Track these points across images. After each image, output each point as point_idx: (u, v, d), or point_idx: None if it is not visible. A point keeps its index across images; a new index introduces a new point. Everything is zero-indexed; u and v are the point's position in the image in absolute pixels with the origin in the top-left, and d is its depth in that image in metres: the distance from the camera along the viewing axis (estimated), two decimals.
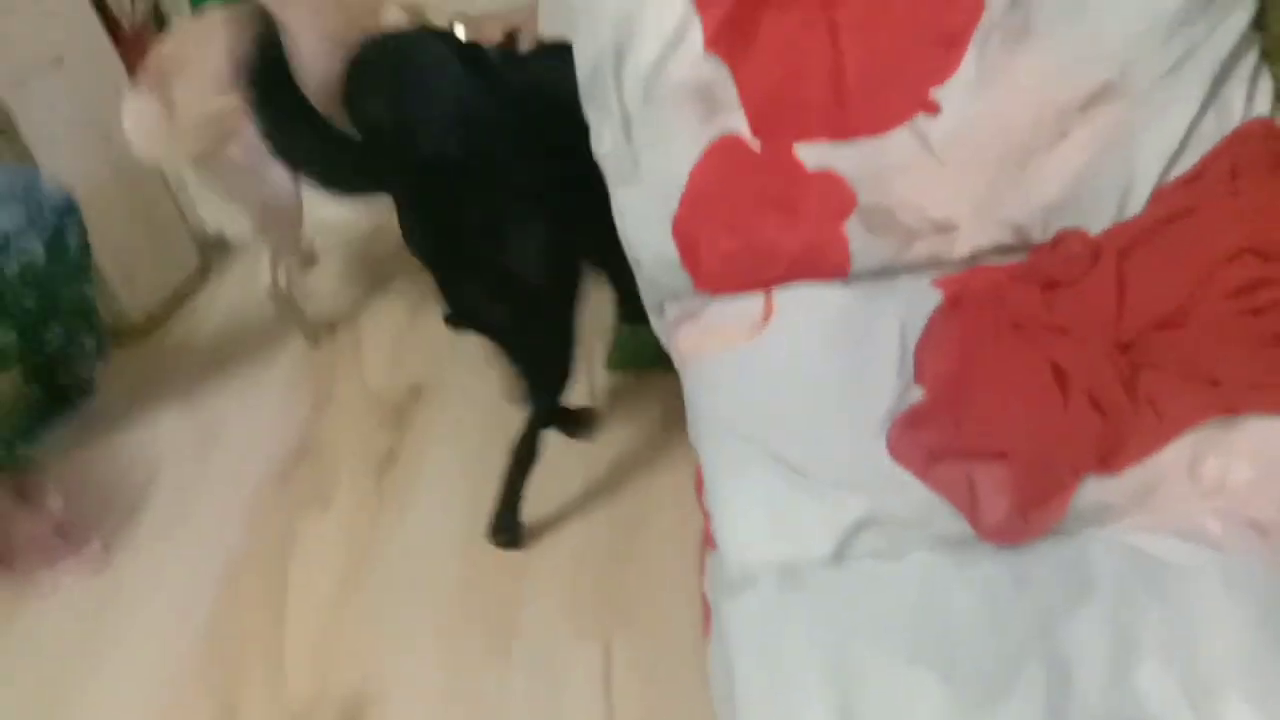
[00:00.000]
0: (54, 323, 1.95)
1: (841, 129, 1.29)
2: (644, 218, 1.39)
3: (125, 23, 3.47)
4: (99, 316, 2.12)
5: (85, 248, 1.98)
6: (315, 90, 1.77)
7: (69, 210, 1.90)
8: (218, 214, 2.78)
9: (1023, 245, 1.30)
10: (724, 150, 1.33)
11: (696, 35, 1.28)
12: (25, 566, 1.81)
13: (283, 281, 2.21)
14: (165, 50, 2.06)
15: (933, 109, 1.29)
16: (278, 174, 1.98)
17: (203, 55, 1.92)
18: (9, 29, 2.26)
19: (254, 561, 1.79)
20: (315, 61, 1.84)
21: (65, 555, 1.83)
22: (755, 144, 1.31)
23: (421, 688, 1.51)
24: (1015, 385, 1.06)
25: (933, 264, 1.31)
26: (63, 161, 2.25)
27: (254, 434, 2.10)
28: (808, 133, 1.30)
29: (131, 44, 3.44)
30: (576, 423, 1.84)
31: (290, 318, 2.30)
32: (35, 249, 1.83)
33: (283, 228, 2.16)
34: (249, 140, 1.84)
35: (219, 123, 1.90)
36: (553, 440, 1.84)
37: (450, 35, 1.85)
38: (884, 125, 1.29)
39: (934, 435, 1.02)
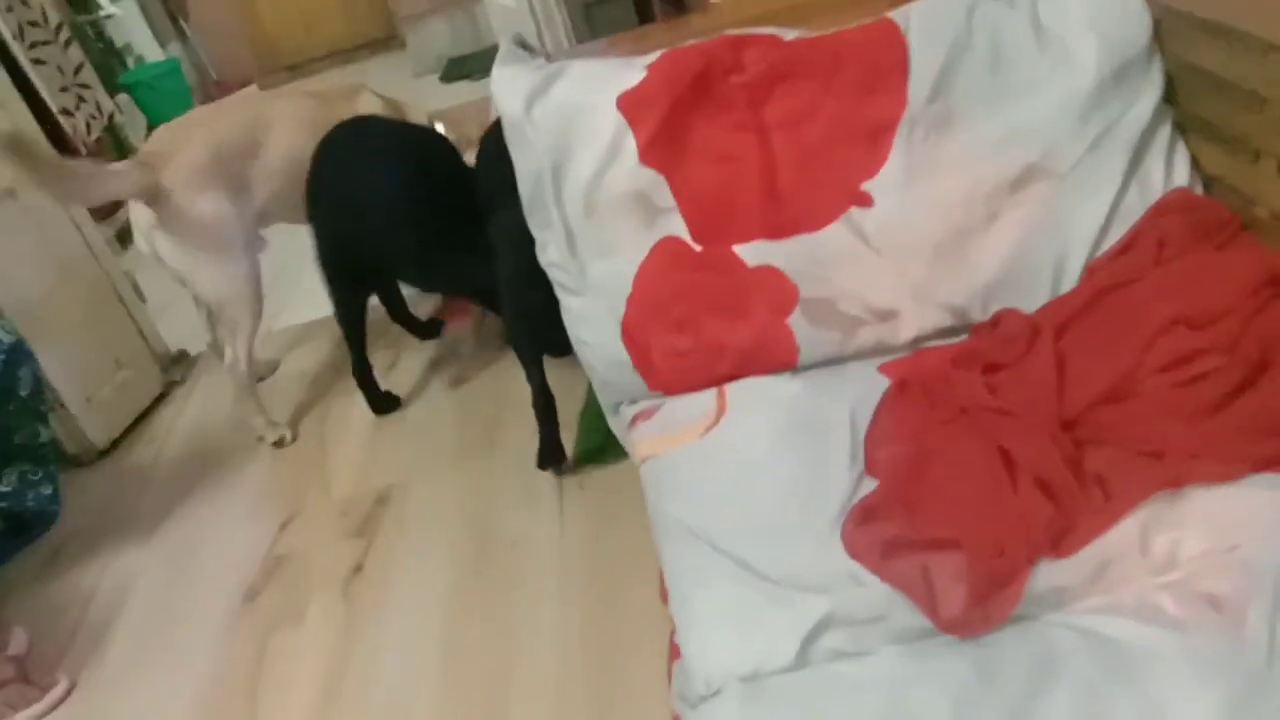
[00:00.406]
0: (6, 467, 1.92)
1: (778, 228, 1.33)
2: (594, 324, 1.41)
3: (80, 146, 3.52)
4: (55, 449, 2.09)
5: (38, 390, 1.96)
6: (291, 166, 2.21)
7: (18, 353, 1.88)
8: (177, 329, 2.79)
9: (964, 326, 1.34)
10: (666, 252, 1.36)
11: (630, 148, 1.32)
12: None
13: (243, 361, 2.27)
14: (150, 148, 2.25)
15: (865, 202, 1.32)
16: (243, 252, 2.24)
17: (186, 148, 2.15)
18: None
19: (226, 685, 1.75)
20: (294, 143, 2.24)
21: (30, 698, 1.78)
22: (696, 246, 1.34)
23: None
24: (964, 472, 1.07)
25: (878, 350, 1.34)
26: (18, 289, 2.26)
27: (222, 553, 2.08)
28: (746, 234, 1.33)
29: None
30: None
31: (248, 403, 2.33)
32: None
33: (242, 306, 2.26)
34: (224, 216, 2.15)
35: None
36: (522, 536, 1.84)
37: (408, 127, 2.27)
38: (819, 221, 1.33)
39: (888, 528, 1.03)
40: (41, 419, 1.98)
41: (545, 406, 1.91)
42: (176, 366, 2.77)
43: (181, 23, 5.69)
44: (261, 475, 2.28)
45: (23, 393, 1.87)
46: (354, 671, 1.70)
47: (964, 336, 1.32)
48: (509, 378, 2.32)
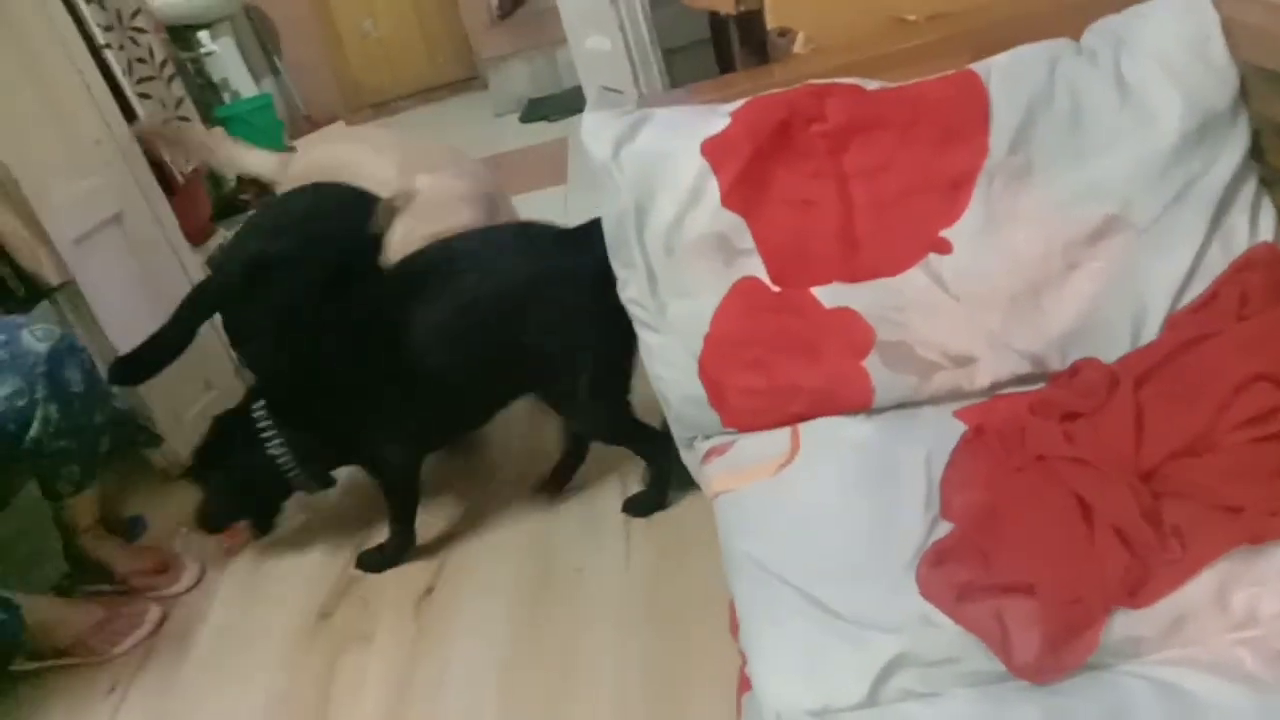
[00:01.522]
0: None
1: (856, 271, 1.35)
2: (671, 361, 1.44)
3: (180, 178, 3.68)
4: (111, 433, 2.13)
5: (91, 383, 2.00)
6: None
7: (58, 358, 1.90)
8: None
9: (1041, 374, 1.34)
10: (744, 292, 1.39)
11: (713, 192, 1.36)
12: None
13: None
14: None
15: (944, 248, 1.34)
16: None
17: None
18: (75, 188, 2.41)
19: (296, 701, 1.80)
20: None
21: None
22: (774, 287, 1.38)
23: None
24: (1041, 519, 1.08)
25: (954, 396, 1.35)
26: (118, 314, 2.38)
27: (296, 572, 2.14)
28: (824, 276, 1.36)
29: (184, 198, 3.64)
30: None
31: None
32: (48, 407, 1.87)
33: None
34: None
35: None
36: (588, 565, 1.87)
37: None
38: (897, 266, 1.35)
39: (963, 572, 1.04)
40: (100, 406, 2.02)
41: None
42: None
43: (275, 60, 5.95)
44: (337, 497, 2.35)
45: (76, 390, 1.92)
46: (420, 691, 1.74)
47: (1041, 385, 1.33)
48: None
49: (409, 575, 2.03)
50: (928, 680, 0.97)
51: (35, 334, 1.88)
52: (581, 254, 1.64)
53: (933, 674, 0.98)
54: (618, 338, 1.59)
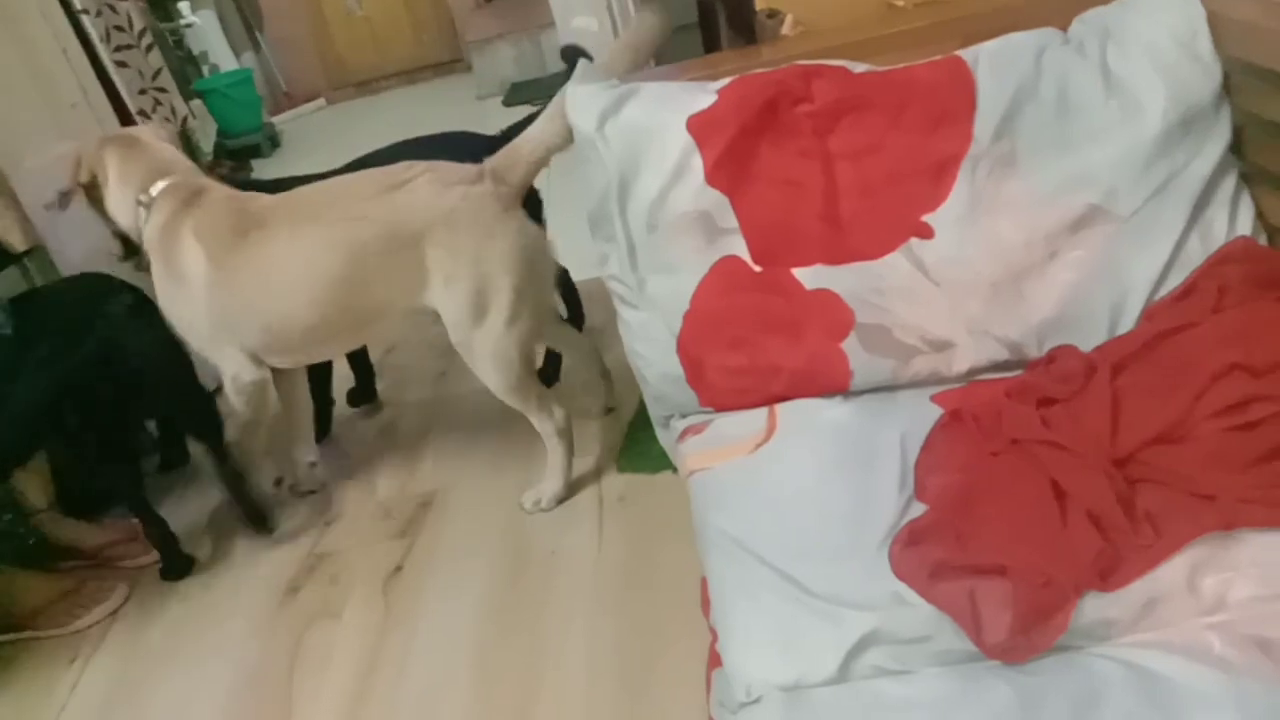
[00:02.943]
0: None
1: (838, 254, 1.35)
2: (650, 338, 1.43)
3: None
4: None
5: None
6: None
7: None
8: None
9: (1019, 361, 1.34)
10: (725, 271, 1.38)
11: (697, 169, 1.35)
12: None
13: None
14: None
15: (926, 233, 1.34)
16: None
17: None
18: (46, 152, 2.37)
19: (263, 674, 1.78)
20: None
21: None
22: (756, 267, 1.37)
23: None
24: (1015, 501, 1.08)
25: (931, 380, 1.35)
26: None
27: (266, 548, 2.12)
28: (806, 258, 1.35)
29: None
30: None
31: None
32: None
33: None
34: None
35: None
36: (560, 546, 1.86)
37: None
38: (879, 250, 1.35)
39: (936, 551, 1.03)
40: None
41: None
42: None
43: (257, 35, 5.88)
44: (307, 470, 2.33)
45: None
46: (387, 667, 1.72)
47: (1019, 371, 1.33)
48: (556, 387, 2.36)
49: (378, 553, 2.01)
50: (899, 658, 0.97)
51: None
52: None
53: (904, 652, 0.97)
54: None
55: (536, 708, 1.56)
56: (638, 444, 2.06)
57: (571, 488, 2.03)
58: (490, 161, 1.81)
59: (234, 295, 1.85)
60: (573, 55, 2.03)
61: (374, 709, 1.65)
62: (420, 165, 1.82)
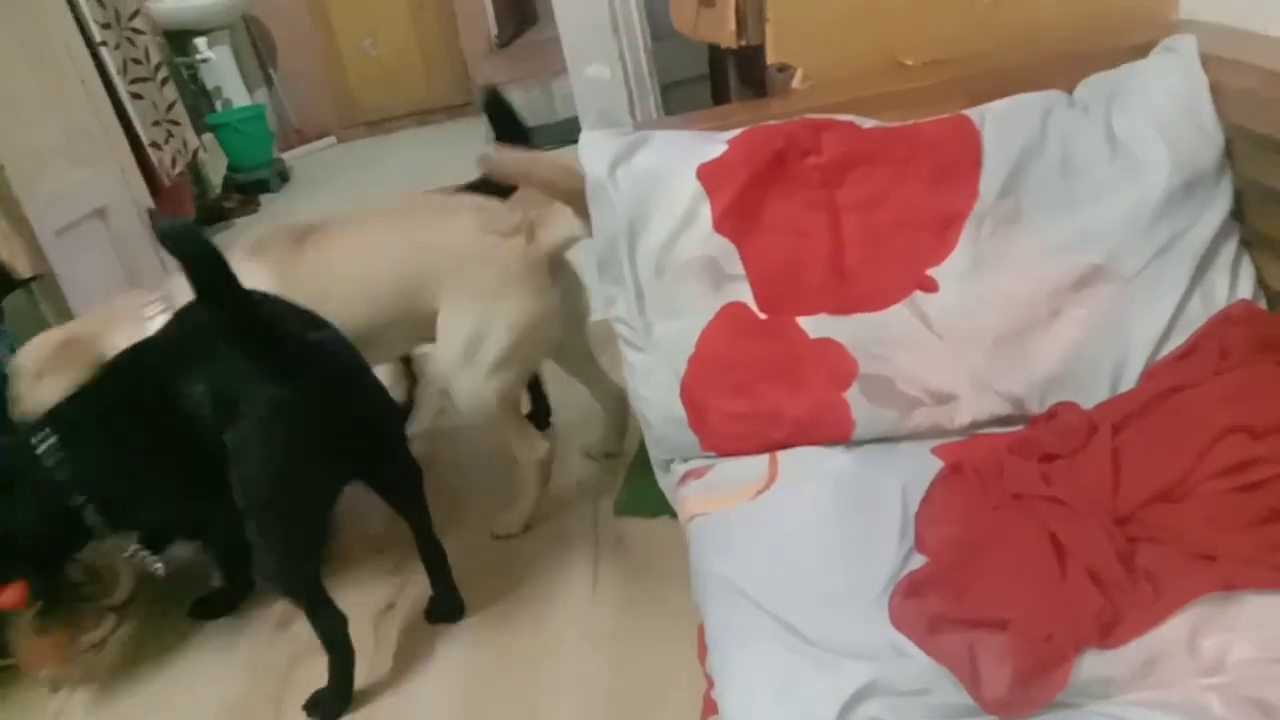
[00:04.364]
0: None
1: (843, 304, 1.36)
2: (654, 381, 1.44)
3: (164, 178, 3.67)
4: None
5: None
6: None
7: None
8: None
9: (1020, 416, 1.35)
10: (731, 318, 1.39)
11: (706, 216, 1.37)
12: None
13: None
14: None
15: (931, 287, 1.36)
16: None
17: None
18: (61, 179, 2.40)
19: (251, 706, 1.76)
20: None
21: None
22: (761, 314, 1.38)
23: None
24: (1015, 556, 1.08)
25: (933, 433, 1.35)
26: (94, 306, 2.35)
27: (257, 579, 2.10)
28: (810, 307, 1.37)
29: (168, 199, 3.63)
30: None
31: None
32: None
33: None
34: None
35: None
36: (555, 587, 1.85)
37: None
38: (883, 301, 1.36)
39: (935, 604, 1.03)
40: None
41: (345, 662, 1.70)
42: None
43: (270, 71, 5.96)
44: None
45: None
46: (377, 705, 1.70)
47: (1020, 426, 1.33)
48: (557, 429, 2.37)
49: (370, 590, 2.00)
50: (897, 710, 0.96)
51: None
52: None
53: (902, 704, 0.97)
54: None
55: None
56: (636, 488, 2.06)
57: (566, 529, 2.02)
58: (534, 215, 1.85)
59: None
60: (493, 101, 2.07)
61: None
62: (471, 201, 1.90)
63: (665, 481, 1.50)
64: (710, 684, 1.11)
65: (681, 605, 1.38)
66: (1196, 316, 1.34)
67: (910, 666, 0.99)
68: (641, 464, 2.07)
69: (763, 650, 1.04)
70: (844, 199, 1.39)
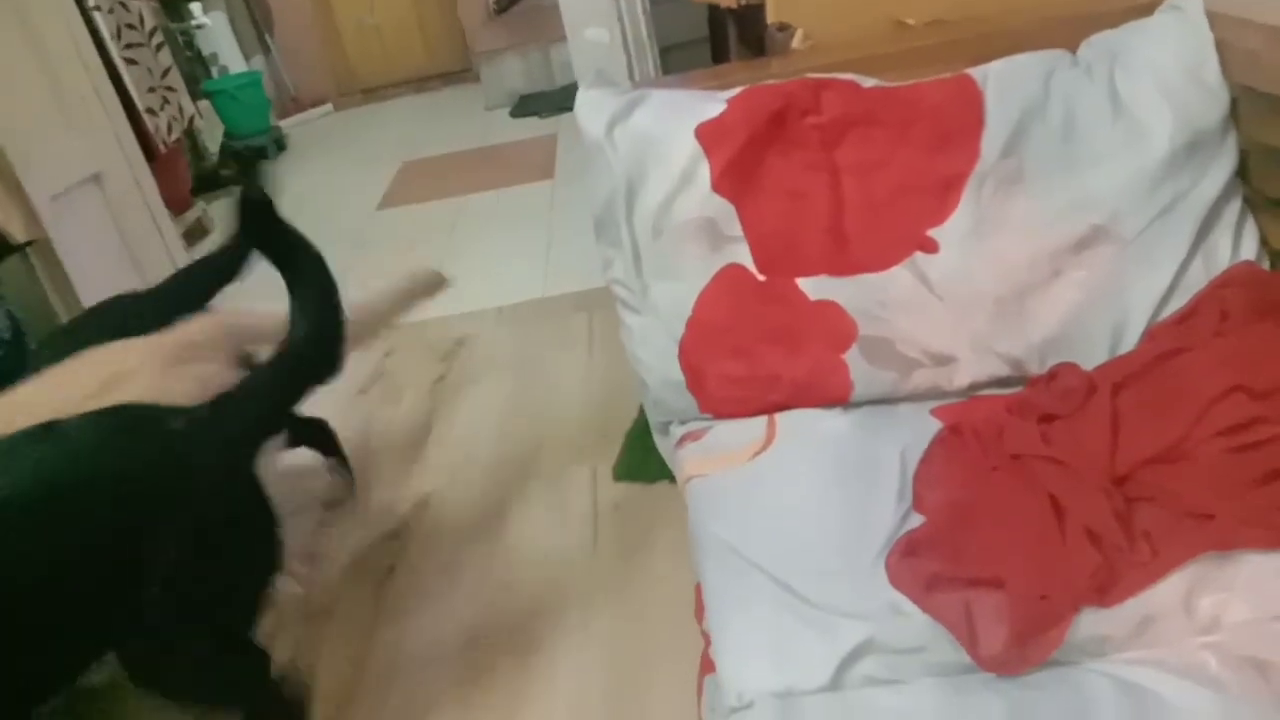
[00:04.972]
0: None
1: (842, 265, 1.35)
2: (652, 343, 1.43)
3: (160, 145, 3.64)
4: None
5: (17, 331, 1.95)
6: None
7: None
8: None
9: (1019, 378, 1.34)
10: (729, 280, 1.38)
11: (704, 176, 1.35)
12: None
13: None
14: None
15: (931, 248, 1.35)
16: None
17: None
18: (56, 145, 2.38)
19: None
20: None
21: None
22: (759, 276, 1.37)
23: None
24: (1013, 516, 1.08)
25: (932, 394, 1.35)
26: (90, 274, 2.34)
27: None
28: (810, 268, 1.36)
29: (165, 166, 3.60)
30: None
31: None
32: None
33: None
34: None
35: None
36: (554, 551, 1.85)
37: None
38: (884, 263, 1.35)
39: (932, 563, 1.03)
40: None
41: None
42: None
43: (267, 38, 5.90)
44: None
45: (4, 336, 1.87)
46: (376, 668, 1.71)
47: (1019, 388, 1.33)
48: (556, 395, 2.36)
49: (372, 553, 2.00)
50: (893, 668, 0.97)
51: None
52: None
53: (898, 662, 0.97)
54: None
55: (524, 708, 1.55)
56: (634, 454, 2.06)
57: (566, 492, 2.02)
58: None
59: None
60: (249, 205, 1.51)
61: (362, 707, 1.64)
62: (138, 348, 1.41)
63: (663, 444, 1.50)
64: (707, 642, 1.11)
65: (680, 567, 1.38)
66: (1198, 278, 1.34)
67: (907, 625, 0.99)
68: (640, 430, 2.07)
69: (759, 609, 1.05)
70: (844, 159, 1.38)
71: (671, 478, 1.61)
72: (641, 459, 1.94)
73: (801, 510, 1.18)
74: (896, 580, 1.03)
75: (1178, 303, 1.33)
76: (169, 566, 1.17)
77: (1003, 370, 1.34)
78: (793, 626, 1.01)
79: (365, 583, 1.92)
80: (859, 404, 1.35)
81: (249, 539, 1.35)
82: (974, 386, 1.34)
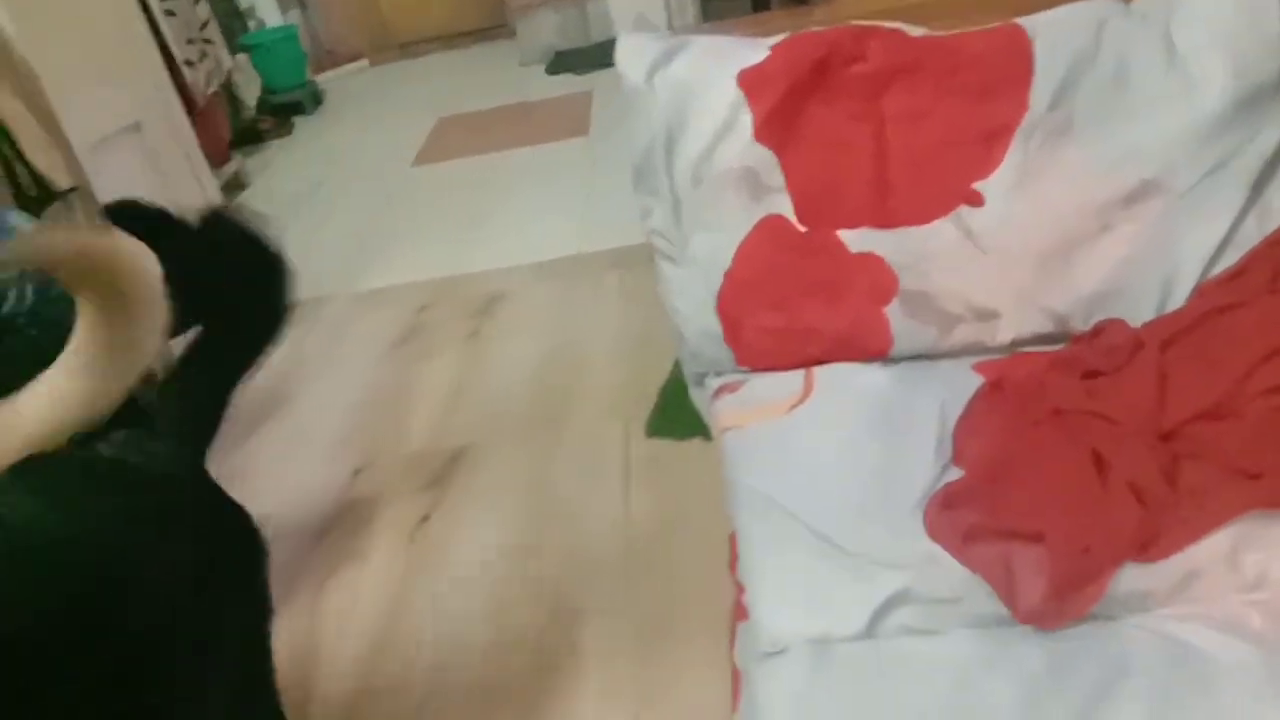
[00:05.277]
0: None
1: (885, 217, 1.33)
2: (689, 294, 1.42)
3: (199, 97, 3.66)
4: None
5: None
6: None
7: None
8: None
9: (1063, 334, 1.32)
10: (769, 230, 1.37)
11: (746, 125, 1.33)
12: None
13: None
14: None
15: (976, 201, 1.32)
16: None
17: None
18: (96, 93, 2.39)
19: (288, 614, 1.80)
20: None
21: None
22: (800, 227, 1.35)
23: None
24: (1055, 470, 1.06)
25: (973, 349, 1.33)
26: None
27: (295, 493, 2.14)
28: (852, 220, 1.34)
29: (204, 118, 3.61)
30: None
31: None
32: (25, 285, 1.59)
33: None
34: None
35: None
36: (587, 504, 1.86)
37: None
38: (927, 215, 1.33)
39: (972, 515, 1.02)
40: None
41: None
42: None
43: None
44: (339, 423, 2.35)
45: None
46: (410, 614, 1.74)
47: (1062, 345, 1.31)
48: (590, 352, 2.37)
49: (407, 503, 2.02)
50: (929, 617, 0.96)
51: (23, 219, 1.85)
52: None
53: (935, 611, 0.97)
54: None
55: (555, 658, 1.57)
56: (667, 411, 2.05)
57: (598, 447, 2.03)
58: None
59: None
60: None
61: (395, 654, 1.66)
62: None
63: (699, 396, 1.49)
64: (741, 591, 1.11)
65: (714, 521, 1.38)
66: (1250, 236, 1.30)
67: (944, 576, 0.98)
68: (673, 387, 2.07)
69: (795, 556, 1.04)
70: (889, 109, 1.35)
71: (704, 434, 1.60)
72: (674, 416, 1.94)
73: (839, 462, 1.18)
74: (934, 531, 1.03)
75: (1229, 259, 1.29)
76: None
77: (1047, 326, 1.31)
78: (829, 574, 1.00)
79: (400, 530, 1.94)
80: (899, 359, 1.33)
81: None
82: (1017, 342, 1.32)
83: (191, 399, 1.27)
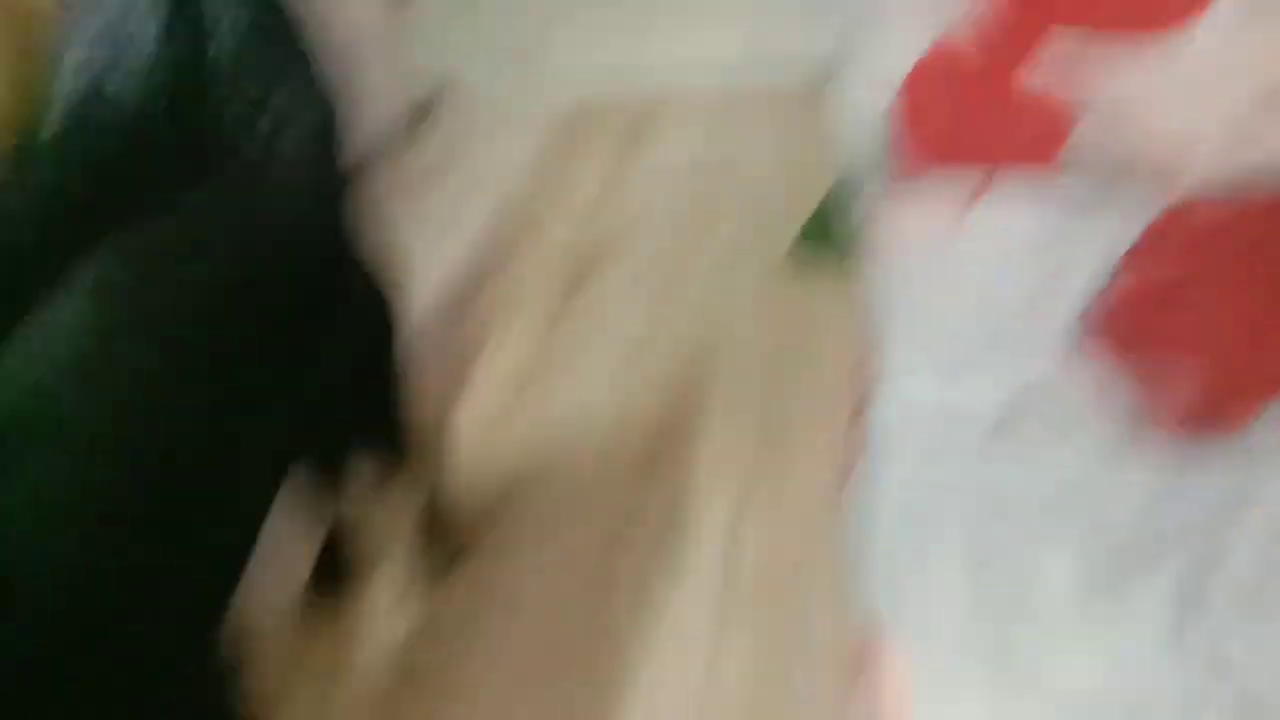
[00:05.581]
0: None
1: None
2: (860, 103, 1.39)
3: None
4: None
5: None
6: None
7: None
8: None
9: (1265, 187, 1.23)
10: (949, 45, 1.31)
11: None
12: None
13: None
14: None
15: (1184, 31, 1.22)
16: None
17: None
18: None
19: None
20: None
21: None
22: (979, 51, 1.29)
23: None
24: (1225, 295, 1.01)
25: (1158, 195, 1.26)
26: None
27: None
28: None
29: None
30: None
31: None
32: None
33: None
34: None
35: None
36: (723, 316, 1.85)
37: None
38: (1131, 38, 1.24)
39: (1126, 326, 0.99)
40: None
41: None
42: None
43: None
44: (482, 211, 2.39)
45: None
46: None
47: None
48: (743, 173, 2.32)
49: (544, 293, 2.06)
50: (1063, 417, 0.95)
51: None
52: None
53: (1071, 412, 0.95)
54: None
55: (672, 440, 1.61)
56: (820, 221, 2.02)
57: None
58: None
59: None
60: None
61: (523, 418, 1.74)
62: None
63: (856, 208, 1.47)
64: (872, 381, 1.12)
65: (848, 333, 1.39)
66: None
67: (1086, 375, 0.97)
68: (832, 199, 2.00)
69: (936, 343, 1.06)
70: None
71: (850, 255, 1.55)
72: (825, 229, 1.92)
73: (995, 277, 1.15)
74: (1082, 339, 1.01)
75: None
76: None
77: (1243, 174, 1.22)
78: (966, 357, 1.00)
79: (536, 319, 2.00)
80: (1076, 187, 1.27)
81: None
82: (1208, 185, 1.24)
83: None
